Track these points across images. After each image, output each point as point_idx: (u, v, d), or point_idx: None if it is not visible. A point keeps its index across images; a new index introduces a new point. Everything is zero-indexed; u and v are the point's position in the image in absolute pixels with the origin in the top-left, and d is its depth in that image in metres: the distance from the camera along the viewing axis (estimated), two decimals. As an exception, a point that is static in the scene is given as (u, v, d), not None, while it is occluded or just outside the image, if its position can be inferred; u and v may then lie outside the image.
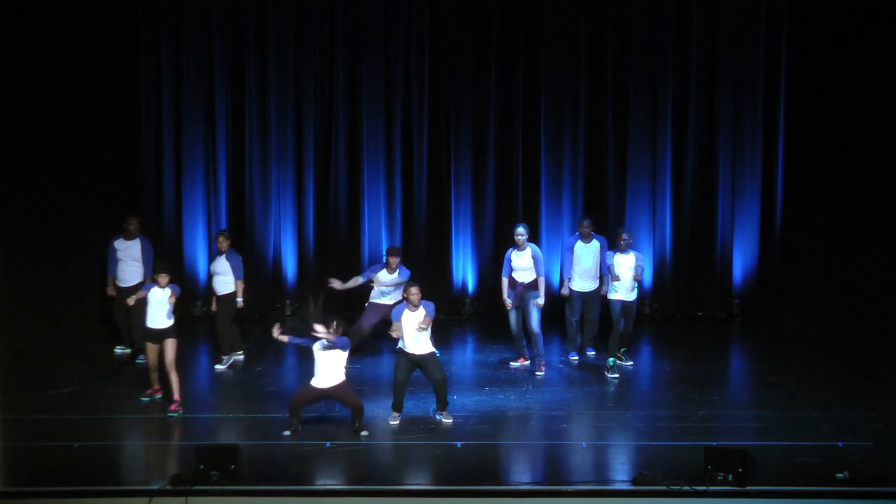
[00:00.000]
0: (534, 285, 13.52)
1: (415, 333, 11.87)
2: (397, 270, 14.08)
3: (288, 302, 16.33)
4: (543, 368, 13.58)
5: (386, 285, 14.11)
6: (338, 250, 16.37)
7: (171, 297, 12.28)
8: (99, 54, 14.94)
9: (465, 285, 16.35)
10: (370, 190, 16.24)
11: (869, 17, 14.39)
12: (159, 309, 12.32)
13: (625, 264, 13.53)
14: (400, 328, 11.93)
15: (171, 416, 12.09)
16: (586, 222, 13.99)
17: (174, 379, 12.28)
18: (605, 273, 13.74)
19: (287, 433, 11.50)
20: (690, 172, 16.10)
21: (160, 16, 15.81)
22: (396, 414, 11.98)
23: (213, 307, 14.04)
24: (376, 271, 14.22)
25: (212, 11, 15.91)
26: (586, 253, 13.85)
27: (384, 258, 14.37)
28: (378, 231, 16.32)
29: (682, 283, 16.21)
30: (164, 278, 12.34)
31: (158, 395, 12.54)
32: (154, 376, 12.50)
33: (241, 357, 14.06)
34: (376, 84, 16.05)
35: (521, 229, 13.55)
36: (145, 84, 15.89)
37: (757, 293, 16.10)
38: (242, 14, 15.96)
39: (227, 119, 16.11)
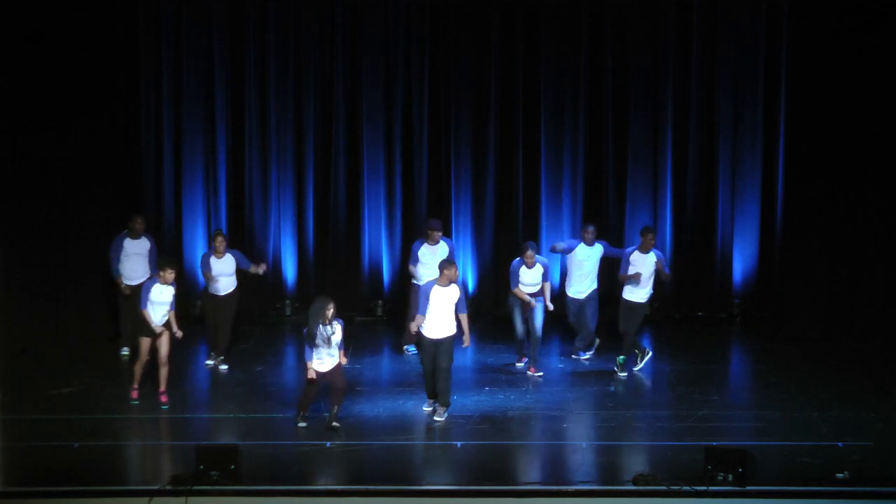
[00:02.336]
0: (541, 292, 13.50)
1: (440, 314, 11.89)
2: (440, 242, 13.99)
3: (288, 302, 16.33)
4: (536, 371, 13.53)
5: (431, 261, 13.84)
6: (338, 251, 16.37)
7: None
8: (99, 55, 14.93)
9: (465, 285, 16.33)
10: (370, 190, 16.23)
11: (869, 17, 14.39)
12: (160, 308, 12.38)
13: (645, 263, 13.45)
14: (422, 321, 11.96)
15: (165, 408, 12.27)
16: (590, 229, 13.97)
17: (165, 372, 12.41)
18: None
19: (302, 425, 11.62)
20: (690, 172, 16.10)
21: (160, 16, 15.80)
22: (432, 400, 12.16)
23: (201, 303, 14.11)
24: (417, 248, 13.98)
25: (212, 12, 15.90)
26: (588, 257, 13.84)
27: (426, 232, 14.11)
28: (378, 231, 16.31)
29: (682, 283, 16.21)
30: (170, 274, 12.41)
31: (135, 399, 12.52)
32: (141, 371, 12.49)
33: (226, 367, 14.04)
34: (376, 84, 16.04)
35: (530, 252, 13.35)
36: (145, 84, 15.88)
37: (757, 293, 16.10)
38: (242, 14, 15.95)
39: (227, 120, 16.10)
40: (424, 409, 12.19)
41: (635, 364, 13.62)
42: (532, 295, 13.47)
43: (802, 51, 15.20)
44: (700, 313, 16.22)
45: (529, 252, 13.38)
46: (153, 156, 16.06)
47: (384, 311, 16.23)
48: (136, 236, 14.19)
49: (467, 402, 12.51)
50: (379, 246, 16.32)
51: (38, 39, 14.23)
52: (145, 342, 12.47)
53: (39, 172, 14.37)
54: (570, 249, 14.04)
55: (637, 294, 13.50)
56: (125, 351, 14.24)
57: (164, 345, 12.44)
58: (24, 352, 14.05)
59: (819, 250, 15.01)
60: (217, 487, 10.02)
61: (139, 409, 12.33)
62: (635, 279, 13.34)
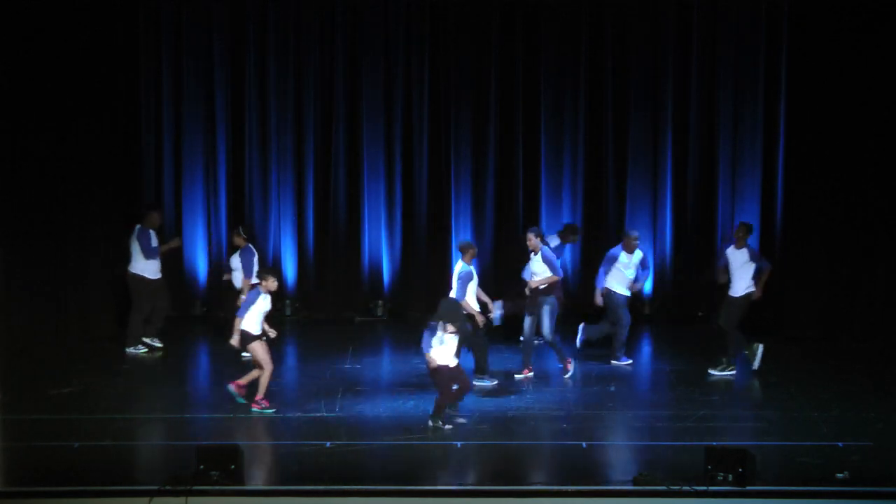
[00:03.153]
0: (549, 290, 13.28)
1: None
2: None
3: (287, 302, 16.33)
4: (571, 366, 13.37)
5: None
6: (338, 251, 16.38)
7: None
8: (99, 55, 14.93)
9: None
10: (370, 190, 16.24)
11: (869, 17, 14.39)
12: (261, 316, 12.04)
13: (738, 260, 13.45)
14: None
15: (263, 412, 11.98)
16: (634, 235, 13.87)
17: (265, 377, 12.05)
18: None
19: (449, 427, 11.53)
20: (690, 172, 16.11)
21: (160, 16, 15.82)
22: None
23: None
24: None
25: (212, 12, 15.92)
26: (629, 265, 13.77)
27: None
28: (378, 231, 16.32)
29: (682, 283, 16.21)
30: (273, 283, 12.00)
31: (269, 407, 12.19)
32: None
33: None
34: (376, 84, 16.06)
35: (529, 234, 13.21)
36: (145, 84, 15.91)
37: (757, 293, 16.09)
38: (242, 14, 15.97)
39: (227, 120, 16.13)
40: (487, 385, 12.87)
41: (752, 363, 13.48)
42: (540, 292, 13.23)
43: (802, 51, 15.21)
44: (700, 313, 16.21)
45: (529, 235, 13.22)
46: (153, 156, 16.09)
47: (384, 311, 16.22)
48: (154, 229, 14.27)
49: (467, 402, 12.48)
50: (379, 246, 16.32)
51: (38, 40, 14.22)
52: (261, 347, 11.99)
53: (39, 172, 14.36)
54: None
55: (734, 288, 13.47)
56: (141, 349, 14.23)
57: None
58: (24, 352, 14.04)
59: (819, 250, 15.01)
60: (217, 487, 10.00)
61: (140, 409, 12.32)
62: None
